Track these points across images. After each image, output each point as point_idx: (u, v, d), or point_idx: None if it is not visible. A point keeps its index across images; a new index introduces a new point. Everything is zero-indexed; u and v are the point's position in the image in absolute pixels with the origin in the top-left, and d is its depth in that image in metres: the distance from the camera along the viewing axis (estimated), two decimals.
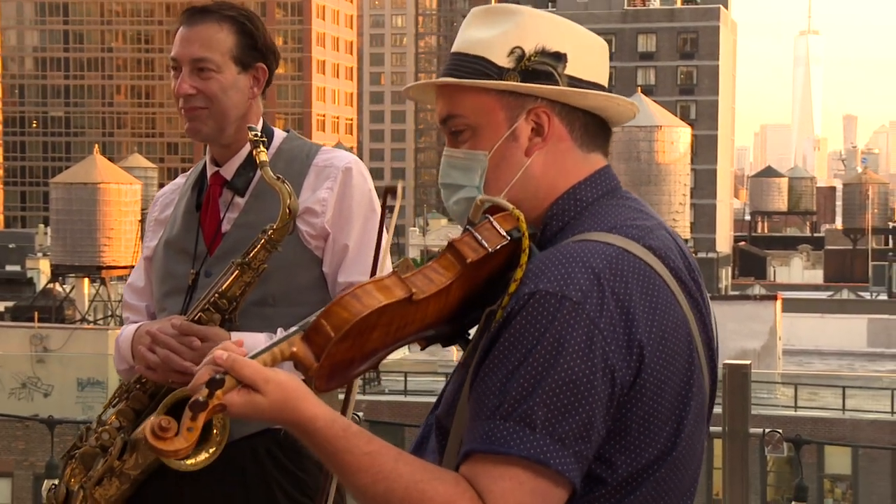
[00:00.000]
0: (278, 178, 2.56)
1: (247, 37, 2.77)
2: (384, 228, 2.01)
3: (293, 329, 1.67)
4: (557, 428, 1.62)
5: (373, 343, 1.68)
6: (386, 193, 1.95)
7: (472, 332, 1.80)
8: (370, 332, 1.65)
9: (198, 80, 2.72)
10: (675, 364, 1.71)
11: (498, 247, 1.70)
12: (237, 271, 2.59)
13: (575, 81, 1.80)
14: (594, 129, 1.84)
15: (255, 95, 2.80)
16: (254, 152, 2.58)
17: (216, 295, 2.61)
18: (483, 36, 1.82)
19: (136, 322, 2.88)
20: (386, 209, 1.97)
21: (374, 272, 1.82)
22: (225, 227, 2.77)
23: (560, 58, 1.79)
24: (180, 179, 3.01)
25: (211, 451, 1.91)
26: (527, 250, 1.70)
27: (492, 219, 1.73)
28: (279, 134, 2.86)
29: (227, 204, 2.78)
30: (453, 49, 1.86)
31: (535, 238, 1.75)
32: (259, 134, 2.59)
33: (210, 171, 2.83)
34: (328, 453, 1.64)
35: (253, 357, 1.63)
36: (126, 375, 2.78)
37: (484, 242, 1.70)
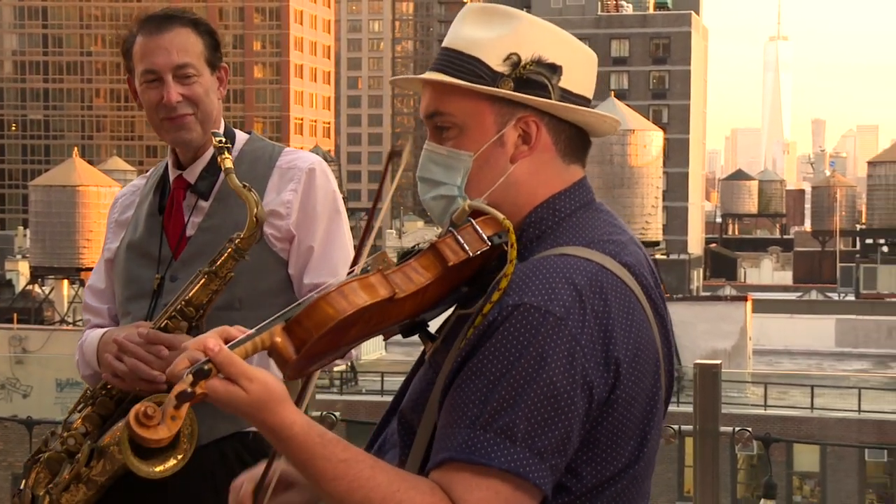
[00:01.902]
0: (245, 185, 2.50)
1: (212, 38, 2.75)
2: (375, 208, 1.96)
3: (274, 318, 1.66)
4: (537, 441, 1.63)
5: (349, 338, 1.69)
6: (391, 156, 1.87)
7: (433, 324, 1.80)
8: (350, 328, 1.66)
9: (181, 86, 2.68)
10: (645, 381, 1.73)
11: (478, 252, 1.72)
12: (204, 279, 2.55)
13: (566, 94, 1.80)
14: (577, 141, 1.84)
15: (222, 96, 2.79)
16: (218, 159, 2.53)
17: (183, 303, 2.56)
18: (479, 36, 1.79)
19: (97, 325, 2.84)
20: (388, 174, 1.91)
21: (358, 257, 1.82)
22: (189, 231, 2.73)
23: (555, 70, 1.79)
24: (139, 181, 2.95)
25: (179, 457, 2.01)
26: (514, 260, 1.70)
27: (474, 222, 1.74)
28: (241, 136, 2.82)
29: (190, 208, 2.74)
30: (446, 44, 1.83)
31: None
32: (223, 140, 2.54)
33: (173, 174, 2.79)
34: (303, 459, 1.63)
35: (234, 346, 1.62)
36: (91, 381, 2.73)
37: (466, 246, 1.71)
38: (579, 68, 1.82)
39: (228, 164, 2.50)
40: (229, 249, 2.53)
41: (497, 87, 1.77)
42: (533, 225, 1.80)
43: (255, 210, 2.50)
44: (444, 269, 1.70)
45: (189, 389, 1.56)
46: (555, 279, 1.68)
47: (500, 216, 1.74)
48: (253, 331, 1.64)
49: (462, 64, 1.79)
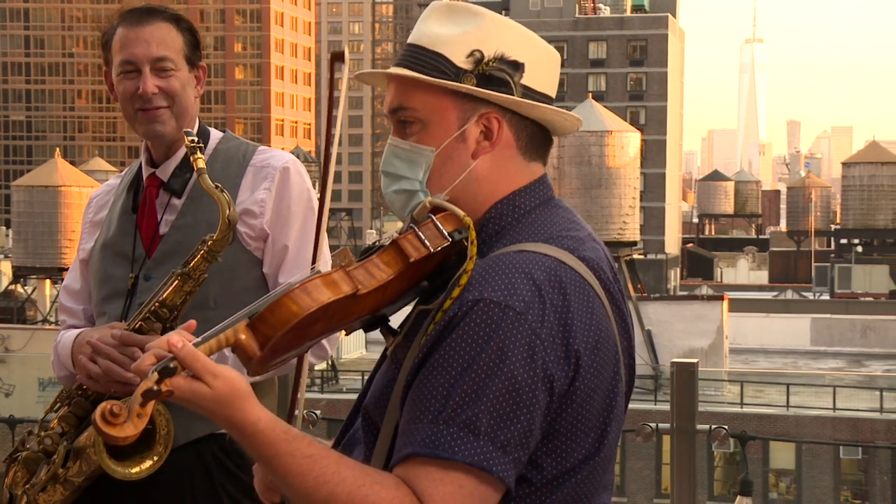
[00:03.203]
0: (217, 187, 2.49)
1: (192, 36, 2.73)
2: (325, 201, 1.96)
3: (238, 315, 1.66)
4: (500, 435, 1.64)
5: (313, 334, 1.70)
6: (333, 61, 1.86)
7: (394, 319, 1.81)
8: (314, 324, 1.67)
9: (158, 79, 2.65)
10: (604, 373, 1.74)
11: (439, 248, 1.72)
12: (177, 281, 2.53)
13: (528, 92, 1.81)
14: (539, 138, 1.85)
15: (198, 95, 2.76)
16: (191, 159, 2.50)
17: (157, 304, 2.54)
18: (443, 32, 1.80)
19: (73, 325, 2.83)
20: (333, 83, 1.89)
21: (318, 234, 1.85)
22: (163, 229, 2.71)
23: (518, 67, 1.79)
24: (114, 180, 2.92)
25: (154, 459, 2.01)
26: (474, 257, 1.71)
27: (434, 218, 1.75)
28: (215, 134, 2.80)
29: (164, 206, 2.72)
30: (411, 40, 1.83)
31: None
32: (196, 140, 2.50)
33: (146, 172, 2.76)
34: (269, 456, 1.63)
35: (199, 343, 1.62)
36: (66, 382, 2.72)
37: (427, 242, 1.72)
38: (542, 66, 1.84)
39: (201, 164, 2.49)
40: (202, 251, 2.52)
41: (460, 83, 1.79)
42: (493, 220, 1.81)
43: (228, 212, 2.49)
44: (406, 265, 1.71)
45: (155, 387, 1.56)
46: (514, 275, 1.69)
47: (461, 213, 1.76)
48: (217, 327, 1.65)
49: (426, 60, 1.80)
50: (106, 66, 2.74)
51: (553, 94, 1.86)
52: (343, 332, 1.80)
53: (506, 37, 1.80)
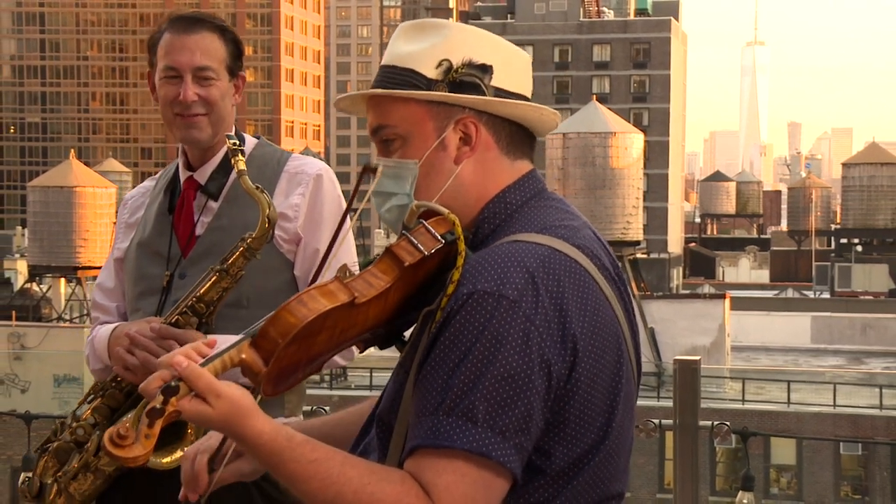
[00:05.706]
0: (257, 187, 2.55)
1: (235, 46, 2.80)
2: (347, 217, 2.08)
3: (241, 336, 1.68)
4: (498, 421, 1.64)
5: (318, 347, 1.70)
6: (363, 172, 1.91)
7: (408, 332, 1.82)
8: (316, 335, 1.67)
9: (199, 87, 2.72)
10: (606, 357, 1.74)
11: (433, 250, 1.73)
12: (215, 277, 2.59)
13: (501, 92, 1.82)
14: (520, 137, 1.86)
15: (237, 102, 2.84)
16: (232, 160, 2.58)
17: (194, 299, 2.60)
18: (412, 49, 1.83)
19: (107, 322, 2.88)
20: (358, 189, 2.00)
21: (323, 264, 1.87)
22: (199, 230, 2.77)
23: (486, 70, 1.81)
24: (149, 182, 2.99)
25: (185, 449, 2.02)
26: (463, 252, 1.72)
27: (426, 223, 1.76)
28: (250, 140, 2.87)
29: (200, 208, 2.78)
30: (382, 62, 1.87)
31: (467, 241, 1.76)
32: (237, 143, 2.58)
33: (183, 175, 2.83)
34: (275, 464, 1.66)
35: (204, 364, 1.63)
36: (100, 375, 2.77)
37: (420, 246, 1.72)
38: (511, 67, 1.85)
39: (241, 165, 2.56)
40: (241, 248, 2.59)
41: (432, 92, 1.81)
42: (486, 220, 1.83)
43: (268, 211, 2.56)
44: (402, 271, 1.72)
45: (159, 407, 1.59)
46: (506, 264, 1.70)
47: (445, 211, 1.77)
48: (223, 348, 1.67)
49: (398, 77, 1.82)
50: (150, 67, 2.82)
51: (527, 93, 1.88)
52: (357, 348, 1.85)
53: (472, 43, 1.83)
